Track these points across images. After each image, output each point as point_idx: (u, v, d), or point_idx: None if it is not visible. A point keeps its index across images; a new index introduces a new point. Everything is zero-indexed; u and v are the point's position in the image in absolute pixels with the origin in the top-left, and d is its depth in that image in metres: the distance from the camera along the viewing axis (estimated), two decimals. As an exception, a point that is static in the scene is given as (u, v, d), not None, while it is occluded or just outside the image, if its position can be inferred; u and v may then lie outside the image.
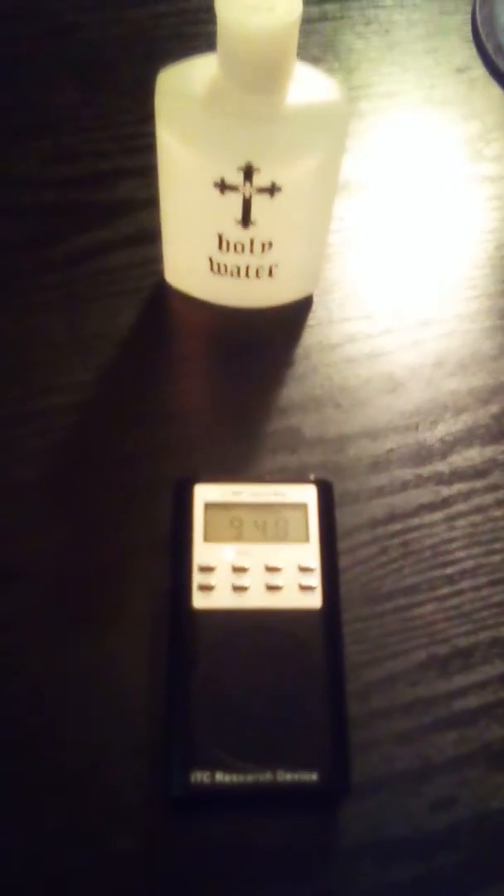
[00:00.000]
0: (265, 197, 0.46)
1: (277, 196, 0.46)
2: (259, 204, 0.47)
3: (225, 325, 0.55)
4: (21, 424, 0.51)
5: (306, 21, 0.43)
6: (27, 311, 0.55)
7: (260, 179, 0.45)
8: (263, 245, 0.50)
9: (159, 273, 0.56)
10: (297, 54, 0.43)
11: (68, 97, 0.63)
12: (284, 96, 0.43)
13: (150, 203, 0.53)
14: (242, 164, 0.44)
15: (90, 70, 0.64)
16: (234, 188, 0.46)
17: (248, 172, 0.45)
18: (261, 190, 0.46)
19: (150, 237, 0.56)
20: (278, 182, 0.46)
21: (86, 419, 0.52)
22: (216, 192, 0.46)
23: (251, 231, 0.49)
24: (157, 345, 0.55)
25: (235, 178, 0.45)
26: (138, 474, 0.50)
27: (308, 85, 0.44)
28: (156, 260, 0.56)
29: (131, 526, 0.48)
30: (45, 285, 0.56)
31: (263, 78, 0.42)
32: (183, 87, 0.44)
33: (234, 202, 0.47)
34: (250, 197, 0.46)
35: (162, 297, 0.56)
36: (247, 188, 0.46)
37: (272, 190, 0.46)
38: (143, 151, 0.59)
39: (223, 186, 0.46)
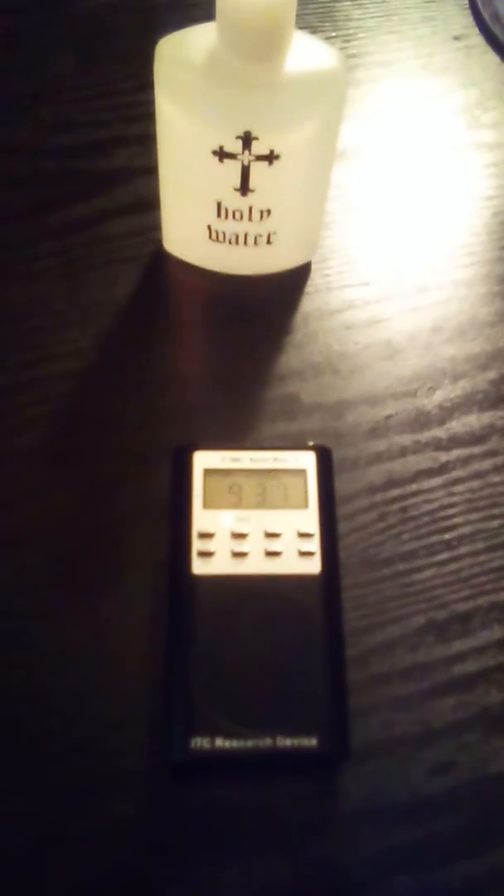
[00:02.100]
0: (264, 165, 0.45)
1: (276, 164, 0.45)
2: (258, 172, 0.45)
3: (223, 293, 0.53)
4: (20, 392, 0.49)
5: None
6: (26, 279, 0.53)
7: (258, 147, 0.44)
8: (262, 213, 0.48)
9: (157, 241, 0.54)
10: (296, 23, 0.41)
11: (66, 66, 0.61)
12: (283, 64, 0.41)
13: (149, 171, 0.51)
14: (241, 132, 0.43)
15: (88, 39, 0.62)
16: (232, 156, 0.44)
17: (247, 140, 0.43)
18: (259, 158, 0.44)
19: (148, 205, 0.54)
20: (277, 150, 0.44)
21: (85, 386, 0.50)
22: (215, 159, 0.44)
23: (250, 199, 0.47)
24: (155, 312, 0.53)
25: (234, 145, 0.43)
26: (137, 441, 0.48)
27: (306, 53, 0.42)
28: (154, 228, 0.53)
29: (130, 493, 0.47)
30: (43, 253, 0.54)
31: (262, 47, 0.40)
32: (182, 55, 0.42)
33: (232, 170, 0.45)
34: (249, 165, 0.45)
35: (160, 264, 0.54)
36: (245, 156, 0.44)
37: (271, 158, 0.44)
38: (141, 120, 0.57)
39: (222, 154, 0.44)
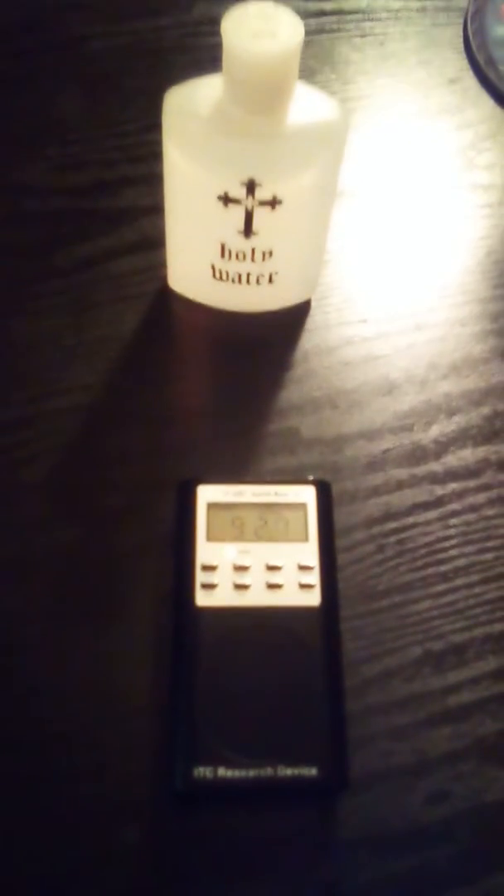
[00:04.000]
0: (266, 209, 0.45)
1: (278, 208, 0.45)
2: (260, 216, 0.46)
3: (226, 329, 0.54)
4: (28, 426, 0.50)
5: (305, 34, 0.41)
6: (35, 315, 0.53)
7: (262, 193, 0.44)
8: (264, 254, 0.49)
9: (163, 278, 0.54)
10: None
11: (74, 107, 0.62)
12: (286, 115, 0.42)
13: (154, 210, 0.52)
14: (245, 178, 0.44)
15: (96, 81, 0.63)
16: (236, 201, 0.45)
17: (251, 187, 0.44)
18: (262, 203, 0.45)
19: (153, 243, 0.55)
20: (279, 195, 0.45)
21: (91, 421, 0.50)
22: (220, 204, 0.45)
23: (252, 241, 0.48)
24: (160, 348, 0.53)
25: (238, 191, 0.44)
26: (142, 474, 0.49)
27: (308, 104, 0.43)
28: (159, 266, 0.54)
29: (136, 525, 0.47)
30: (52, 290, 0.54)
31: (266, 99, 0.41)
32: (189, 105, 0.43)
33: (236, 214, 0.46)
34: (252, 209, 0.45)
35: (165, 301, 0.54)
36: (249, 201, 0.45)
37: (273, 203, 0.45)
38: (147, 160, 0.57)
39: (226, 199, 0.45)
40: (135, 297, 0.54)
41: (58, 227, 0.56)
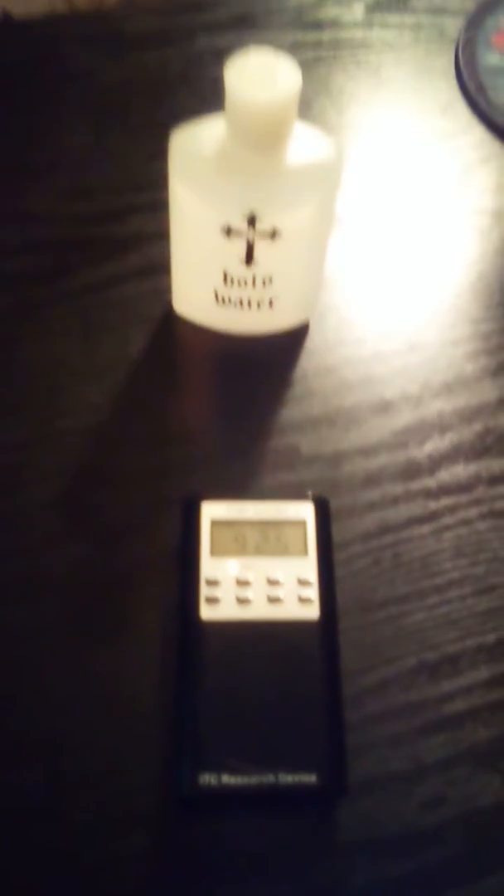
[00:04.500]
0: (266, 240, 0.46)
1: (278, 239, 0.46)
2: (261, 246, 0.46)
3: (229, 351, 0.54)
4: (38, 446, 0.50)
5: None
6: (44, 338, 0.53)
7: (262, 225, 0.45)
8: (264, 280, 0.49)
9: (168, 302, 0.54)
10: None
11: (82, 137, 0.62)
12: (285, 154, 0.43)
13: (159, 236, 0.52)
14: (246, 212, 0.44)
15: (102, 111, 0.63)
16: (238, 233, 0.45)
17: (252, 220, 0.44)
18: (263, 234, 0.45)
19: (158, 268, 0.55)
20: (278, 228, 0.45)
21: (99, 440, 0.50)
22: (222, 236, 0.45)
23: (253, 269, 0.48)
24: (165, 369, 0.53)
25: (240, 224, 0.45)
26: (148, 491, 0.49)
27: (305, 142, 0.43)
28: (165, 290, 0.54)
29: (142, 541, 0.47)
30: (61, 314, 0.54)
31: (266, 141, 0.42)
32: (193, 145, 0.44)
33: (238, 245, 0.46)
34: (253, 240, 0.46)
35: (170, 324, 0.54)
36: (250, 233, 0.45)
37: (273, 234, 0.45)
38: (152, 188, 0.57)
39: (229, 231, 0.45)
40: (141, 320, 0.55)
41: (67, 253, 0.57)
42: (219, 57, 0.65)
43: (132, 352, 0.53)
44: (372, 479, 0.50)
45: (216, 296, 0.51)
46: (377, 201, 0.61)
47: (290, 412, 0.52)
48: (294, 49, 0.67)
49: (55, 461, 0.49)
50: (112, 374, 0.53)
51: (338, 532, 0.48)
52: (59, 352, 0.53)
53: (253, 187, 0.44)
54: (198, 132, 0.44)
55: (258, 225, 0.45)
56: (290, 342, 0.55)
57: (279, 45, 0.66)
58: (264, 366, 0.54)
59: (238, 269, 0.48)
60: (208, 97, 0.63)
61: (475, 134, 0.64)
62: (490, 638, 0.46)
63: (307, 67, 0.66)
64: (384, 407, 0.53)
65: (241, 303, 0.51)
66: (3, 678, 0.44)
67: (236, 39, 0.66)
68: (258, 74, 0.40)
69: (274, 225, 0.45)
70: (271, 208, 0.44)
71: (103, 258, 0.57)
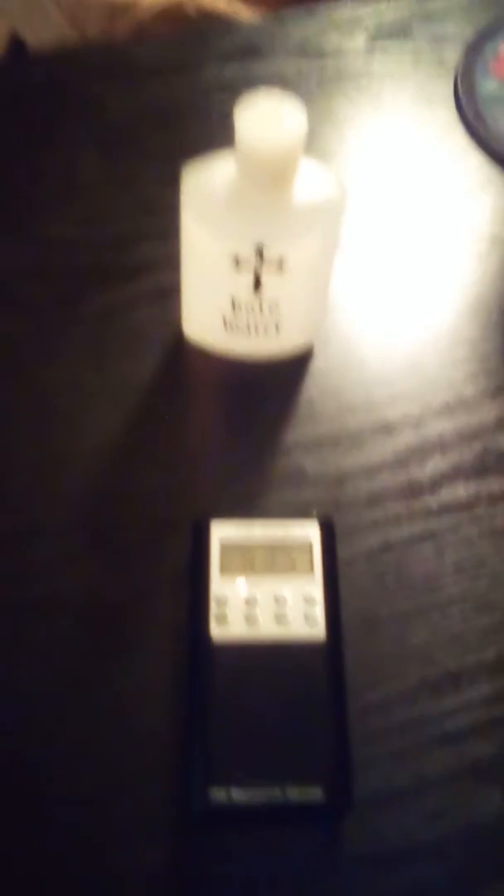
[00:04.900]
0: (273, 270, 0.46)
1: (284, 269, 0.46)
2: (268, 275, 0.46)
3: (237, 374, 0.54)
4: (52, 467, 0.50)
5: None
6: (59, 362, 0.53)
7: (269, 257, 0.45)
8: (271, 307, 0.49)
9: (178, 327, 0.54)
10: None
11: (95, 165, 0.61)
12: (291, 190, 0.43)
13: (169, 262, 0.52)
14: (255, 245, 0.44)
15: (114, 140, 0.62)
16: (246, 263, 0.45)
17: (260, 252, 0.45)
18: (270, 265, 0.46)
19: (169, 293, 0.54)
20: (285, 258, 0.45)
21: (111, 461, 0.50)
22: (231, 266, 0.46)
23: (260, 296, 0.48)
24: (176, 391, 0.53)
25: (248, 255, 0.45)
26: (158, 512, 0.49)
27: (310, 178, 0.44)
28: (175, 315, 0.54)
29: (153, 560, 0.47)
30: (76, 338, 0.54)
31: (274, 180, 0.42)
32: (205, 182, 0.44)
33: (246, 274, 0.46)
34: (260, 271, 0.46)
35: (180, 348, 0.54)
36: (258, 264, 0.45)
37: (280, 265, 0.45)
38: (163, 215, 0.57)
39: (237, 262, 0.45)
40: (152, 344, 0.54)
41: (81, 279, 0.56)
42: (225, 87, 0.65)
43: (144, 375, 0.53)
44: (375, 499, 0.50)
45: (224, 321, 0.51)
46: (378, 226, 0.61)
47: (296, 433, 0.52)
48: (298, 78, 0.66)
49: (68, 482, 0.49)
50: (124, 396, 0.52)
51: (342, 550, 0.47)
52: (73, 375, 0.53)
53: (261, 221, 0.44)
54: (208, 169, 0.44)
55: (265, 256, 0.45)
56: (296, 365, 0.54)
57: (284, 74, 0.66)
58: (270, 388, 0.54)
59: (246, 296, 0.48)
60: (216, 126, 0.63)
61: (474, 160, 0.64)
62: (490, 654, 0.46)
63: (311, 96, 0.66)
64: (386, 428, 0.52)
65: (248, 328, 0.51)
66: (18, 696, 0.43)
67: (242, 69, 0.66)
68: (266, 118, 0.41)
69: (280, 256, 0.45)
70: (278, 241, 0.44)
71: (116, 283, 0.56)
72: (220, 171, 0.43)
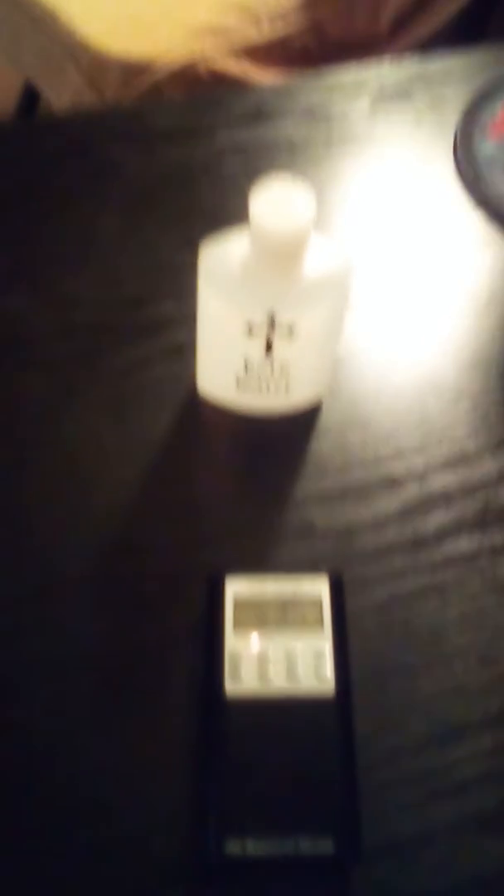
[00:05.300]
0: (284, 335, 0.47)
1: (294, 334, 0.46)
2: (279, 340, 0.47)
3: (248, 430, 0.54)
4: (69, 521, 0.50)
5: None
6: (79, 418, 0.54)
7: (280, 323, 0.46)
8: (281, 368, 0.49)
9: (193, 384, 0.55)
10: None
11: (112, 225, 0.62)
12: (301, 266, 0.44)
13: (185, 320, 0.52)
14: (267, 313, 0.45)
15: (133, 202, 0.63)
16: (259, 330, 0.46)
17: (272, 321, 0.45)
18: (281, 332, 0.46)
19: (184, 350, 0.55)
20: (295, 325, 0.46)
21: (128, 516, 0.51)
22: (244, 333, 0.46)
23: (272, 359, 0.48)
24: (190, 447, 0.53)
25: (261, 323, 0.46)
26: (173, 564, 0.49)
27: (319, 252, 0.44)
28: (190, 371, 0.54)
29: (166, 612, 0.47)
30: (95, 396, 0.55)
31: (285, 258, 0.43)
32: (221, 258, 0.45)
33: (258, 339, 0.47)
34: (272, 337, 0.47)
35: (195, 405, 0.54)
36: (270, 331, 0.46)
37: (290, 332, 0.46)
38: (178, 272, 0.58)
39: (251, 330, 0.46)
40: (168, 400, 0.55)
41: (100, 337, 0.57)
42: (237, 149, 0.66)
43: (159, 430, 0.54)
44: (382, 552, 0.50)
45: (237, 381, 0.51)
46: (382, 284, 0.61)
47: (305, 486, 0.52)
48: (306, 140, 0.67)
49: (85, 537, 0.49)
50: (140, 451, 0.53)
51: (351, 603, 0.47)
52: (93, 431, 0.53)
53: (273, 293, 0.45)
54: (225, 245, 0.45)
55: (277, 323, 0.46)
56: (304, 420, 0.55)
57: (292, 137, 0.66)
58: (280, 443, 0.54)
59: (258, 358, 0.49)
60: (228, 187, 0.64)
61: (474, 220, 0.65)
62: (494, 706, 0.46)
63: (318, 157, 0.67)
64: (392, 482, 0.53)
65: (259, 387, 0.51)
66: (33, 749, 0.43)
67: (253, 133, 0.67)
68: (278, 204, 0.41)
69: (291, 323, 0.46)
70: (289, 310, 0.45)
71: (133, 341, 0.57)
72: (235, 247, 0.44)
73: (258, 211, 0.41)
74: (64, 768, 0.43)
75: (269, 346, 0.47)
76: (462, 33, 1.05)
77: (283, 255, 0.43)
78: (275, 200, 0.41)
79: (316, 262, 0.44)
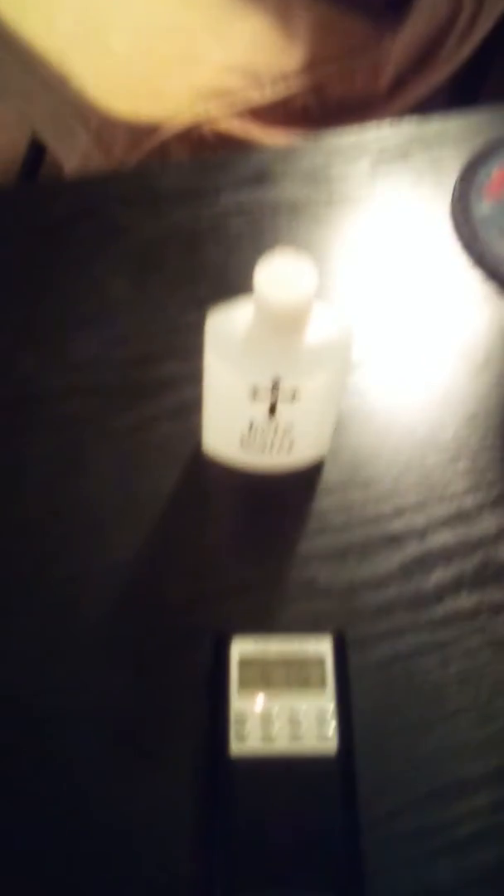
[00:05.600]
0: (287, 398, 0.47)
1: (297, 398, 0.47)
2: (282, 403, 0.48)
3: (252, 488, 0.54)
4: (80, 580, 0.50)
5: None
6: (89, 477, 0.54)
7: (284, 388, 0.46)
8: (285, 430, 0.50)
9: (198, 441, 0.55)
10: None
11: (121, 287, 0.63)
12: (304, 334, 0.45)
13: (191, 379, 0.53)
14: (271, 379, 0.46)
15: (140, 264, 0.64)
16: (263, 394, 0.47)
17: (275, 385, 0.46)
18: (284, 395, 0.47)
19: (190, 409, 0.55)
20: (298, 390, 0.47)
21: (135, 574, 0.51)
22: (249, 396, 0.47)
23: (275, 421, 0.49)
24: (196, 505, 0.54)
25: (265, 387, 0.46)
26: (178, 622, 0.49)
27: (321, 321, 0.45)
28: (195, 430, 0.55)
29: (175, 671, 0.48)
30: (103, 455, 0.55)
31: (288, 327, 0.44)
32: (227, 326, 0.46)
33: (262, 403, 0.48)
34: (276, 400, 0.47)
35: (200, 464, 0.55)
36: (273, 395, 0.47)
37: (293, 394, 0.47)
38: (185, 332, 0.59)
39: (255, 394, 0.47)
40: (174, 459, 0.55)
41: (109, 396, 0.58)
42: (241, 211, 0.67)
43: (165, 488, 0.54)
44: (383, 610, 0.51)
45: (242, 441, 0.52)
46: (382, 344, 0.62)
47: (308, 545, 0.53)
48: (307, 202, 0.68)
49: (93, 594, 0.50)
50: (147, 509, 0.53)
51: (353, 660, 0.48)
52: (101, 489, 0.54)
53: (276, 360, 0.45)
54: (230, 314, 0.46)
55: (280, 388, 0.46)
56: (307, 478, 0.55)
57: (294, 199, 0.68)
58: (283, 500, 0.55)
59: (262, 420, 0.49)
60: (233, 247, 0.65)
61: (472, 278, 0.66)
62: (493, 763, 0.46)
63: (318, 218, 0.68)
64: (392, 541, 0.53)
65: (263, 446, 0.52)
66: (36, 806, 0.44)
67: (256, 195, 0.68)
68: (282, 277, 0.42)
69: (294, 388, 0.47)
70: (292, 376, 0.46)
71: (140, 400, 0.58)
72: (241, 315, 0.45)
73: (263, 283, 0.42)
74: (65, 827, 0.43)
75: (272, 409, 0.48)
76: (458, 93, 1.07)
77: (287, 325, 0.43)
78: (279, 273, 0.42)
79: (318, 330, 0.45)
